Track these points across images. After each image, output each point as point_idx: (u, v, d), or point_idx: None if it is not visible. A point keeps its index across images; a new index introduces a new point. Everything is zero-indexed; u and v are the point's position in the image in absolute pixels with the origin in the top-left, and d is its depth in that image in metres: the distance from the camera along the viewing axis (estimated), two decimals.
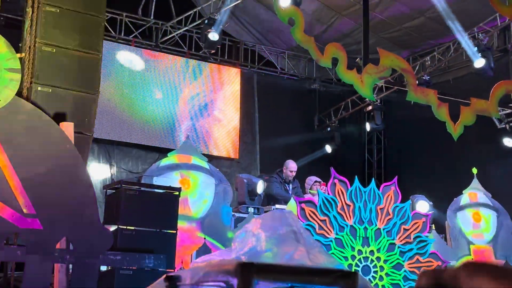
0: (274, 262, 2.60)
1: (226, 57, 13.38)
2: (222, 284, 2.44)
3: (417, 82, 7.38)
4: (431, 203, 9.54)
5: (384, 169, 15.12)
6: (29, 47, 5.50)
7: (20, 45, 6.00)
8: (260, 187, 8.73)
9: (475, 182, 8.96)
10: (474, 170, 8.98)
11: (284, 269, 2.47)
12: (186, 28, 12.27)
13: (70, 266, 5.01)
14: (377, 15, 11.71)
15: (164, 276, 2.65)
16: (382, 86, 13.21)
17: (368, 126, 13.78)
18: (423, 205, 9.46)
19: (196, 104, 12.75)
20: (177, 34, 12.50)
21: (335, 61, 7.04)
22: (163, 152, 8.92)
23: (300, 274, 2.44)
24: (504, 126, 12.43)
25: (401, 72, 7.20)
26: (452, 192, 9.02)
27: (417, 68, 13.10)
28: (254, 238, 2.68)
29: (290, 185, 9.33)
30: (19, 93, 5.02)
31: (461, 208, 8.70)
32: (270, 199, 9.08)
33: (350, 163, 13.90)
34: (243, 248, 2.67)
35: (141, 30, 12.42)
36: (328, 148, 13.93)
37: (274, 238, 2.65)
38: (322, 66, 7.15)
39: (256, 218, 2.97)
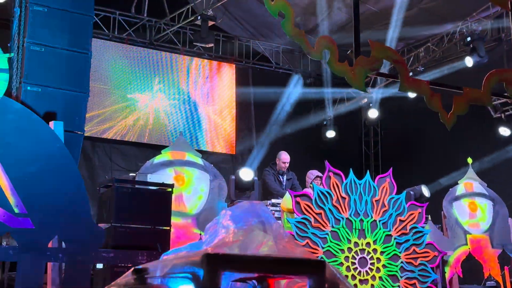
0: (241, 253, 2.61)
1: (220, 53, 13.36)
2: (189, 275, 2.45)
3: (410, 73, 7.30)
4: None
5: (381, 161, 15.14)
6: (18, 47, 5.50)
7: (9, 45, 6.02)
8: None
9: (471, 172, 8.95)
10: (469, 160, 8.97)
11: (250, 259, 2.48)
12: (179, 25, 12.27)
13: (63, 264, 5.02)
14: (370, 7, 11.70)
15: (132, 269, 2.66)
16: (377, 78, 13.24)
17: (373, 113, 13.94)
18: (426, 190, 9.64)
19: (191, 100, 12.74)
20: (170, 31, 12.50)
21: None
22: (157, 149, 8.91)
23: (267, 264, 2.44)
24: (499, 115, 12.44)
25: (393, 63, 7.16)
26: (447, 182, 9.03)
27: (411, 59, 13.10)
28: (224, 230, 2.69)
29: (284, 176, 9.31)
30: (8, 93, 5.02)
31: (457, 198, 8.70)
32: (266, 193, 9.07)
33: (347, 156, 13.92)
34: (213, 240, 2.69)
35: (134, 28, 12.42)
36: (327, 135, 14.05)
37: (243, 229, 2.65)
38: (313, 59, 7.12)
39: (226, 209, 2.99)
